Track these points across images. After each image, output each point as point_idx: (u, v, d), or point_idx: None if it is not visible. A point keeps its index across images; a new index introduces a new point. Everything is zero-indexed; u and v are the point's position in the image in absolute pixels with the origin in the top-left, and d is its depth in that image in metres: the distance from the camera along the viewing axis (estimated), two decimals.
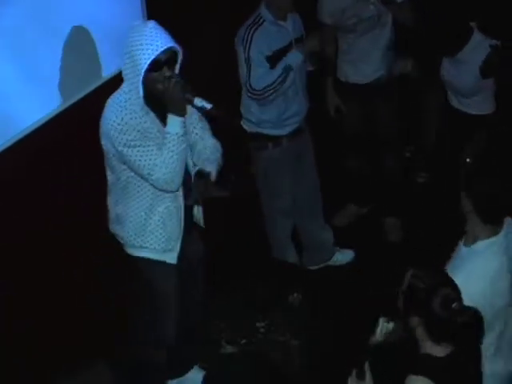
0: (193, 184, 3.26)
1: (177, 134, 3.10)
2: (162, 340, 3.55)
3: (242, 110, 4.23)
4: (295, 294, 4.32)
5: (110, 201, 3.36)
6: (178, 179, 3.18)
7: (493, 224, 2.81)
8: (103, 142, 3.17)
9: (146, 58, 2.99)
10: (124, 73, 3.09)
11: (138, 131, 3.09)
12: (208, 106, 3.11)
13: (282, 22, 4.04)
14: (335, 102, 4.72)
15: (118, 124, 3.07)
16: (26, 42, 3.32)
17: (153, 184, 3.18)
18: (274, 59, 4.00)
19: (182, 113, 3.10)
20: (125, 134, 3.07)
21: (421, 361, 2.51)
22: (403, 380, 2.50)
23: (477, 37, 4.13)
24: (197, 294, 3.66)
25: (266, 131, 4.20)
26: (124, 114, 3.08)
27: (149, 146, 3.10)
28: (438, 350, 2.49)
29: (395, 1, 4.35)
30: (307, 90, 4.28)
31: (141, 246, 3.35)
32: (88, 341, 3.75)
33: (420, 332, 2.50)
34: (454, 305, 2.43)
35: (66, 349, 3.66)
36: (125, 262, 3.45)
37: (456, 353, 2.50)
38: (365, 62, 4.53)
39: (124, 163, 3.16)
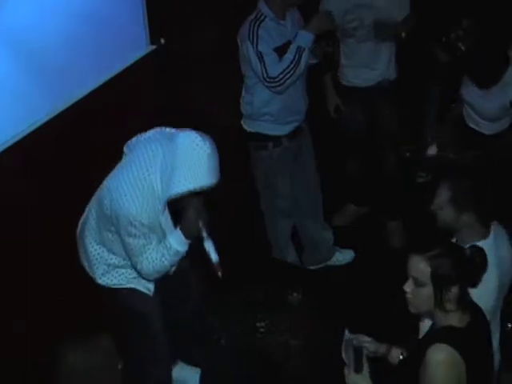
0: None
1: (177, 250, 3.11)
2: (159, 360, 3.55)
3: (243, 106, 4.23)
4: (295, 294, 4.31)
5: (83, 237, 3.32)
6: (159, 276, 3.22)
7: (487, 226, 2.82)
8: (107, 206, 3.07)
9: (185, 187, 2.92)
10: (163, 171, 2.98)
11: (148, 228, 3.06)
12: (215, 258, 3.10)
13: (281, 21, 4.05)
14: (335, 101, 4.72)
15: (135, 220, 3.00)
16: (25, 41, 3.32)
17: (135, 269, 3.20)
18: (278, 52, 4.01)
19: (190, 237, 3.10)
20: (135, 228, 3.03)
21: (443, 332, 2.53)
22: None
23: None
24: (193, 300, 3.68)
25: (266, 130, 4.20)
26: (144, 212, 3.00)
27: (151, 240, 3.09)
28: (457, 320, 2.53)
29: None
30: (307, 89, 4.28)
31: (115, 284, 3.35)
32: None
33: (452, 302, 2.52)
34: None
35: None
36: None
37: (473, 323, 2.55)
38: (366, 68, 4.54)
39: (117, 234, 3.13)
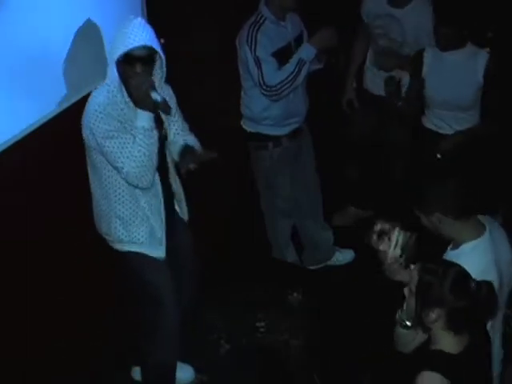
0: (180, 159, 3.35)
1: (143, 127, 3.16)
2: (165, 335, 3.55)
3: (243, 108, 4.23)
4: (295, 294, 4.32)
5: (94, 199, 3.40)
6: (148, 175, 3.22)
7: (466, 219, 2.82)
8: (85, 134, 3.22)
9: (121, 49, 3.09)
10: (109, 62, 3.19)
11: (119, 121, 3.16)
12: (158, 97, 3.16)
13: (282, 22, 4.05)
14: (350, 95, 4.69)
15: (100, 113, 3.14)
16: (25, 41, 3.31)
17: (125, 179, 3.23)
18: (277, 57, 4.00)
19: (148, 108, 3.15)
20: (105, 124, 3.13)
21: (434, 357, 2.49)
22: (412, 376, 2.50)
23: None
24: (190, 288, 3.67)
25: (266, 131, 4.20)
26: (106, 104, 3.15)
27: (125, 138, 3.17)
28: (452, 346, 2.48)
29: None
30: (307, 91, 4.28)
31: (129, 241, 3.38)
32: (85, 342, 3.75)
33: (439, 326, 2.47)
34: (470, 283, 2.44)
35: (63, 349, 3.67)
36: (115, 260, 3.47)
37: (470, 350, 2.49)
38: (380, 76, 4.51)
39: (103, 156, 3.21)
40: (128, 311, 3.64)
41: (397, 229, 2.73)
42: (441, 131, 4.21)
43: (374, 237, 2.77)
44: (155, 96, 3.14)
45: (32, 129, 3.44)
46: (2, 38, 3.20)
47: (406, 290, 2.58)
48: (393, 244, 2.72)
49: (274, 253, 4.61)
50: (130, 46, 3.08)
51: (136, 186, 3.27)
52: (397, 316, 2.73)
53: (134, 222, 3.36)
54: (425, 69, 4.11)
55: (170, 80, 4.22)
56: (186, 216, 3.59)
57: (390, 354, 2.89)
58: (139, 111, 3.16)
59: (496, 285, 2.79)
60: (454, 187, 2.81)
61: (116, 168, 3.22)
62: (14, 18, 3.24)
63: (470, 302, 2.44)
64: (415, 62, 4.15)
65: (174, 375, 3.70)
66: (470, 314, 2.46)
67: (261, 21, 3.99)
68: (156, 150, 3.23)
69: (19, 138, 3.38)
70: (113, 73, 3.16)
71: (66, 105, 3.61)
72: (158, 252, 3.43)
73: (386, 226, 2.75)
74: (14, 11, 3.23)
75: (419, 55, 4.14)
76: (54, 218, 3.56)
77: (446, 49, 4.02)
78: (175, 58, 4.23)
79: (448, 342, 2.48)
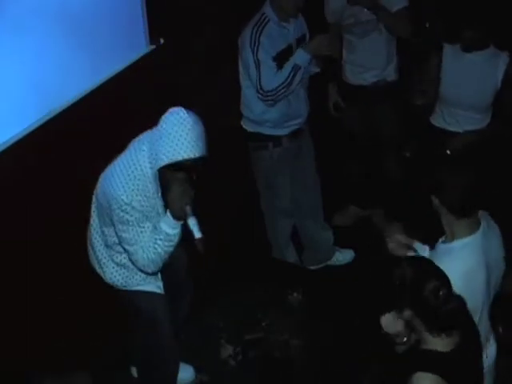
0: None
1: (167, 233, 3.08)
2: (162, 363, 3.57)
3: (243, 108, 4.23)
4: (295, 294, 4.32)
5: (91, 239, 3.35)
6: (156, 268, 3.20)
7: (468, 218, 2.81)
8: (101, 196, 3.13)
9: (172, 156, 2.94)
10: (152, 144, 3.01)
11: (141, 212, 3.06)
12: (197, 234, 3.07)
13: (284, 23, 4.04)
14: (334, 98, 4.72)
15: (125, 204, 3.03)
16: (25, 41, 3.31)
17: (131, 260, 3.20)
18: (277, 60, 4.00)
19: (177, 218, 3.07)
20: (127, 214, 3.05)
21: (426, 357, 2.48)
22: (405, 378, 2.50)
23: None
24: (184, 304, 3.69)
25: (266, 131, 4.20)
26: (134, 195, 3.03)
27: (145, 227, 3.10)
28: (442, 345, 2.47)
29: (388, 10, 4.31)
30: (309, 92, 4.27)
31: (125, 286, 3.38)
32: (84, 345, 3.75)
33: (418, 325, 2.46)
34: (441, 292, 2.41)
35: (62, 351, 3.67)
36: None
37: (460, 347, 2.49)
38: (364, 66, 4.54)
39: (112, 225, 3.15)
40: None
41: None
42: (451, 129, 4.23)
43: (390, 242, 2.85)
44: (193, 226, 3.05)
45: (32, 129, 3.45)
46: (2, 37, 3.21)
47: None
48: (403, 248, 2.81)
49: (274, 253, 4.61)
50: (186, 157, 2.93)
51: (140, 270, 3.25)
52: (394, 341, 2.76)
53: (132, 269, 3.31)
54: (442, 67, 4.13)
55: (169, 80, 4.24)
56: (197, 233, 3.46)
57: (389, 354, 2.89)
58: (167, 215, 3.07)
59: (483, 284, 2.80)
60: (465, 183, 2.79)
61: (125, 250, 3.17)
62: (14, 18, 3.25)
63: (438, 309, 2.42)
64: (433, 59, 4.17)
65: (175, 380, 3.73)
66: (442, 318, 2.44)
67: (264, 21, 3.98)
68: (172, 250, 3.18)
69: (19, 138, 3.39)
70: (149, 162, 3.01)
71: (65, 105, 3.61)
72: (155, 288, 3.39)
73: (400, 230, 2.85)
74: (13, 11, 3.23)
75: (438, 53, 4.16)
76: (54, 218, 3.56)
77: (468, 50, 4.05)
78: (175, 57, 4.25)
79: (437, 342, 2.47)
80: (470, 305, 2.68)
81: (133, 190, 3.02)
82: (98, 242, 3.34)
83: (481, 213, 2.89)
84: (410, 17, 4.35)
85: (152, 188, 3.07)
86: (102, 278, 3.43)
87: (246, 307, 4.23)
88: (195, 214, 3.08)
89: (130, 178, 3.04)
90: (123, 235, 3.10)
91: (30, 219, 3.46)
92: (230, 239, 4.62)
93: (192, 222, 3.05)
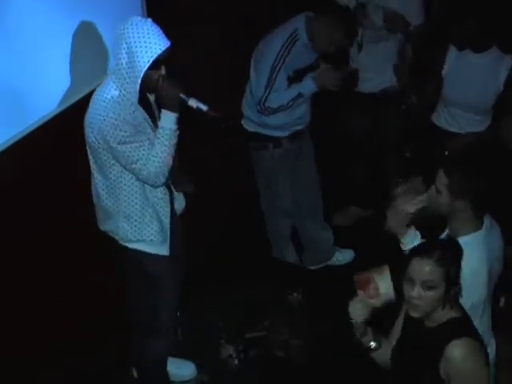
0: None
1: (170, 129, 3.15)
2: (162, 328, 3.57)
3: (244, 109, 4.23)
4: (295, 294, 4.31)
5: (98, 199, 3.35)
6: (167, 172, 3.23)
7: (480, 218, 2.84)
8: (92, 138, 3.16)
9: (149, 56, 3.02)
10: (117, 67, 3.09)
11: (133, 126, 3.12)
12: (204, 107, 3.16)
13: (311, 44, 4.01)
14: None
15: (115, 119, 3.08)
16: (25, 41, 3.32)
17: (142, 178, 3.21)
18: (292, 78, 4.01)
19: (175, 109, 3.14)
20: (121, 131, 3.09)
21: (451, 326, 2.53)
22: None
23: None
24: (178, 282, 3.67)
25: (266, 132, 4.20)
26: (120, 110, 3.09)
27: (142, 141, 3.15)
28: (456, 311, 2.55)
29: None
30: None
31: (138, 240, 3.36)
32: (86, 338, 3.75)
33: (455, 298, 2.54)
34: None
35: (64, 348, 3.67)
36: (121, 257, 3.45)
37: (464, 309, 2.59)
38: (372, 72, 4.51)
39: (115, 159, 3.18)
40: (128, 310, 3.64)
41: (424, 195, 2.87)
42: (451, 129, 4.23)
43: (400, 189, 2.89)
44: (196, 104, 3.13)
45: (32, 129, 3.45)
46: (2, 37, 3.21)
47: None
48: (415, 201, 2.87)
49: (274, 253, 4.61)
50: (160, 52, 3.03)
51: (152, 185, 3.26)
52: (365, 344, 2.83)
53: (143, 220, 3.33)
54: (446, 67, 4.12)
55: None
56: (181, 207, 3.58)
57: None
58: (164, 112, 3.14)
59: (486, 279, 2.82)
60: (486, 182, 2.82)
61: (132, 170, 3.19)
62: (13, 17, 3.25)
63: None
64: (437, 59, 4.17)
65: (166, 370, 3.74)
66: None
67: (294, 39, 3.95)
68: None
69: (19, 138, 3.39)
70: (124, 77, 3.08)
71: (65, 105, 3.61)
72: (163, 250, 3.41)
73: (420, 186, 2.89)
74: (13, 11, 3.24)
75: (442, 53, 4.15)
76: (54, 217, 3.57)
77: (462, 48, 4.06)
78: (175, 57, 4.25)
79: (454, 310, 2.55)
80: (474, 300, 2.74)
81: (116, 106, 3.09)
82: (106, 198, 3.33)
83: None
84: (423, 34, 4.39)
85: (130, 103, 3.11)
86: (116, 239, 3.40)
87: (246, 307, 4.23)
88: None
89: (110, 100, 3.10)
90: (126, 155, 3.13)
91: (29, 219, 3.47)
92: (229, 239, 4.62)
93: (193, 102, 3.14)
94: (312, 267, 4.69)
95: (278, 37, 3.98)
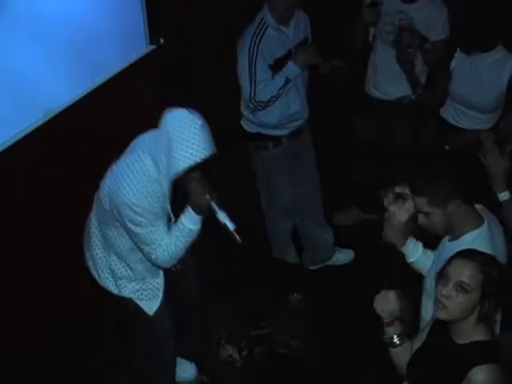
0: None
1: (190, 230, 3.10)
2: (160, 364, 3.55)
3: (242, 108, 4.23)
4: (295, 294, 4.31)
5: (89, 240, 3.32)
6: (175, 262, 3.20)
7: (473, 204, 2.86)
8: (106, 201, 3.10)
9: (188, 163, 2.93)
10: (157, 153, 2.99)
11: (152, 213, 3.05)
12: (231, 226, 3.08)
13: (283, 28, 4.01)
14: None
15: (135, 205, 3.00)
16: (26, 41, 3.32)
17: (149, 260, 3.18)
18: (274, 67, 4.00)
19: (201, 214, 3.09)
20: (139, 216, 3.02)
21: (478, 350, 2.47)
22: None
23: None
24: (192, 292, 3.68)
25: (266, 131, 4.19)
26: (144, 198, 3.01)
27: (158, 225, 3.09)
28: (485, 333, 2.50)
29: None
30: (309, 95, 4.27)
31: (118, 293, 3.34)
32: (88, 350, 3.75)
33: (487, 314, 2.48)
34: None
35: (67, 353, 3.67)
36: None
37: (494, 333, 2.54)
38: (389, 81, 4.48)
39: (125, 231, 3.13)
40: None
41: (410, 201, 2.87)
42: (456, 124, 4.23)
43: (391, 196, 2.88)
44: (224, 219, 3.07)
45: (32, 129, 3.45)
46: (2, 39, 3.21)
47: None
48: (404, 209, 2.84)
49: (274, 253, 4.61)
50: (200, 160, 2.93)
51: (158, 267, 3.25)
52: (384, 338, 2.75)
53: (128, 282, 3.31)
54: (453, 62, 4.13)
55: (169, 80, 4.24)
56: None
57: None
58: (189, 211, 3.07)
59: None
60: (462, 173, 2.83)
61: (141, 249, 3.15)
62: (14, 18, 3.25)
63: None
64: (446, 56, 4.18)
65: None
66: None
67: (263, 27, 3.95)
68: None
69: (19, 138, 3.39)
70: (158, 168, 2.99)
71: (65, 105, 3.61)
72: (150, 305, 3.36)
73: (406, 192, 2.87)
74: (13, 11, 3.24)
75: (451, 50, 4.16)
76: (53, 217, 3.57)
77: (468, 53, 4.06)
78: (175, 58, 4.26)
79: (483, 331, 2.50)
80: None
81: (142, 193, 3.01)
82: (97, 245, 3.31)
83: (481, 208, 2.93)
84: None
85: (160, 191, 3.04)
86: (96, 281, 3.39)
87: (247, 307, 4.23)
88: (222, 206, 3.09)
89: (138, 180, 3.01)
90: (138, 236, 3.08)
91: (29, 219, 3.47)
92: (229, 239, 4.62)
93: (222, 215, 3.07)
94: (312, 267, 4.69)
95: (248, 30, 3.99)
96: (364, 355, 3.86)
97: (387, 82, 4.49)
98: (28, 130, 3.42)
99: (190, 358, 3.90)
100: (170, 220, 3.17)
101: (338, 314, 4.14)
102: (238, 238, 3.08)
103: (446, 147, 4.13)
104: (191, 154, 2.92)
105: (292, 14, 4.00)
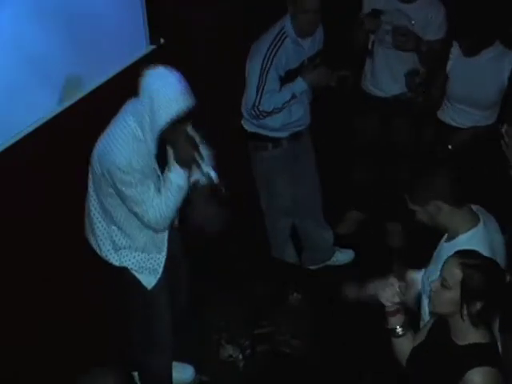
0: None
1: (179, 185, 3.14)
2: (158, 344, 3.56)
3: (243, 108, 4.22)
4: (295, 294, 4.32)
5: (90, 215, 3.34)
6: (168, 223, 3.23)
7: (462, 206, 2.84)
8: (99, 170, 3.15)
9: (169, 114, 2.99)
10: (140, 114, 3.06)
11: (141, 172, 3.10)
12: (215, 178, 3.13)
13: (301, 41, 4.02)
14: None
15: (124, 166, 3.06)
16: (26, 41, 3.32)
17: (143, 223, 3.22)
18: (284, 79, 4.01)
19: (187, 168, 3.13)
20: (128, 175, 3.07)
21: (476, 352, 2.49)
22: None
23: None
24: (182, 288, 3.68)
25: (266, 132, 4.20)
26: (132, 157, 3.06)
27: (148, 184, 3.13)
28: (483, 336, 2.51)
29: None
30: (312, 99, 4.27)
31: (120, 264, 3.36)
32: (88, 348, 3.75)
33: (474, 316, 2.47)
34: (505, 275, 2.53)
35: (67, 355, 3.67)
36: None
37: (493, 337, 2.54)
38: (386, 78, 4.47)
39: (119, 197, 3.17)
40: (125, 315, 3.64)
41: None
42: (455, 124, 4.24)
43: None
44: (207, 171, 3.12)
45: (32, 129, 3.45)
46: (3, 39, 3.21)
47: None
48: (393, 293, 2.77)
49: (273, 253, 4.61)
50: (182, 112, 3.00)
51: (153, 230, 3.27)
52: (388, 326, 2.76)
53: (130, 252, 3.33)
54: (450, 63, 4.13)
55: None
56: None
57: (390, 354, 2.89)
58: (175, 167, 3.12)
59: None
60: (452, 175, 2.84)
61: (134, 213, 3.19)
62: (14, 17, 3.25)
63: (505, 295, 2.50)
64: (442, 56, 4.18)
65: (171, 379, 3.72)
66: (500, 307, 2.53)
67: (282, 37, 3.95)
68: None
69: (19, 137, 3.39)
70: (143, 126, 3.05)
71: (65, 105, 3.61)
72: (150, 279, 3.39)
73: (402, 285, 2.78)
74: (13, 11, 3.24)
75: (446, 49, 4.16)
76: (53, 217, 3.57)
77: (470, 55, 4.07)
78: (175, 57, 4.25)
79: (480, 334, 2.50)
80: None
81: (129, 152, 3.07)
82: (97, 218, 3.33)
83: (477, 207, 2.93)
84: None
85: (146, 150, 3.09)
86: (97, 253, 3.40)
87: (246, 307, 4.23)
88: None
89: (124, 141, 3.08)
90: (129, 197, 3.13)
91: (29, 219, 3.47)
92: (229, 239, 4.62)
93: (206, 167, 3.13)
94: (312, 267, 4.69)
95: (266, 37, 3.99)
96: (364, 355, 3.87)
97: (382, 78, 4.49)
98: (28, 130, 3.42)
99: (189, 359, 3.89)
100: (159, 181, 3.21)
101: (338, 313, 4.14)
102: (223, 189, 3.14)
103: (449, 147, 4.13)
104: (172, 106, 2.98)
105: (314, 30, 4.04)
